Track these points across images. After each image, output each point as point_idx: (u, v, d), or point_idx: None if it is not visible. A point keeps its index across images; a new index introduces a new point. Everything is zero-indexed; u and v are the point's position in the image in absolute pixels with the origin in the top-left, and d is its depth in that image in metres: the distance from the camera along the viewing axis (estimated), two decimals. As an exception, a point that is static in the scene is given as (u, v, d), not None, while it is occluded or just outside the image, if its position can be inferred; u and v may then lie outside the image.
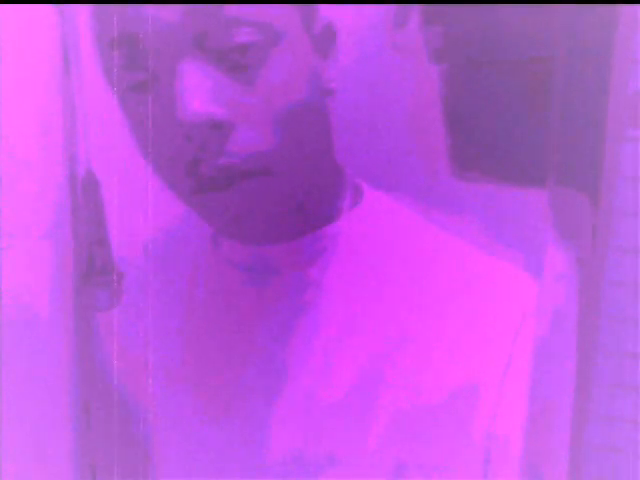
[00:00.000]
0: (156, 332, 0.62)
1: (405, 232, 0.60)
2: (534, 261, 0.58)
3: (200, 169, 0.56)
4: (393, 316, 0.59)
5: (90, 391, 0.62)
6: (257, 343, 0.60)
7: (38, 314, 0.62)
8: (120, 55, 0.56)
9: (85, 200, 0.61)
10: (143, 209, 0.60)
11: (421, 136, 0.59)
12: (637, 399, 0.58)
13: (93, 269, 0.61)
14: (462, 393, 0.58)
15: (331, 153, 0.59)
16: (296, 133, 0.56)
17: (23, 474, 0.64)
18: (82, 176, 0.61)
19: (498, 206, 0.58)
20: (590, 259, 0.58)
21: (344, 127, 0.58)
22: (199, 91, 0.54)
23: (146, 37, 0.54)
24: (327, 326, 0.59)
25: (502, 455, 0.59)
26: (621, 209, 0.58)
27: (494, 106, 0.58)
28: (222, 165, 0.55)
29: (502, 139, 0.58)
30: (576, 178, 0.58)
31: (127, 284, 0.62)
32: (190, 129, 0.54)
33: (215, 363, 0.61)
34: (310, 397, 0.59)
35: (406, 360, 0.59)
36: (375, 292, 0.59)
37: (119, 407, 0.62)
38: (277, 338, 0.60)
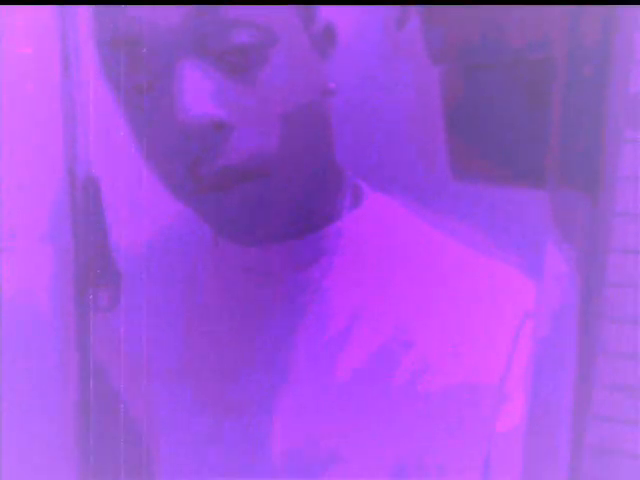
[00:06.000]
0: (156, 333, 0.62)
1: (405, 232, 0.60)
2: (534, 262, 0.58)
3: (200, 170, 0.56)
4: (393, 317, 0.59)
5: (91, 392, 0.62)
6: (258, 344, 0.60)
7: (38, 315, 0.62)
8: (120, 56, 0.56)
9: (85, 201, 0.61)
10: (143, 210, 0.60)
11: (421, 137, 0.59)
12: (637, 400, 0.58)
13: (93, 270, 0.61)
14: (462, 394, 0.58)
15: (331, 154, 0.59)
16: (296, 134, 0.56)
17: (23, 474, 0.64)
18: (82, 178, 0.61)
19: (498, 207, 0.58)
20: (590, 260, 0.58)
21: (344, 128, 0.58)
22: (199, 92, 0.54)
23: (146, 39, 0.54)
24: (328, 327, 0.59)
25: (502, 456, 0.59)
26: (621, 210, 0.58)
27: (494, 107, 0.58)
28: (222, 166, 0.55)
29: (502, 140, 0.58)
30: (576, 179, 0.58)
31: (127, 285, 0.62)
32: (190, 130, 0.54)
33: (216, 364, 0.61)
34: (312, 398, 0.59)
35: (406, 360, 0.59)
36: (376, 292, 0.59)
37: (120, 408, 0.62)
38: (278, 339, 0.60)
